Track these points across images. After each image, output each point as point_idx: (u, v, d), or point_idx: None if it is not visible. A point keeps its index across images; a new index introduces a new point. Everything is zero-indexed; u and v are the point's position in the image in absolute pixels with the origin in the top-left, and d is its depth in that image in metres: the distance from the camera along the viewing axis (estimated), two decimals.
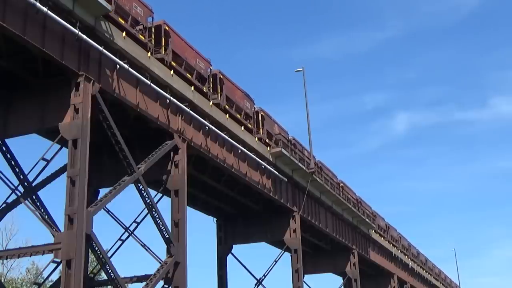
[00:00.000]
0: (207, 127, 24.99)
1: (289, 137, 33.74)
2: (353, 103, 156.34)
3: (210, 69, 26.34)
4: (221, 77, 27.15)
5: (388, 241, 51.84)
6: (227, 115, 27.10)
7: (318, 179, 35.36)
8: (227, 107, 27.09)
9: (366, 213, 45.40)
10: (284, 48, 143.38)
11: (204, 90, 25.33)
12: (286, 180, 32.42)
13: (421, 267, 64.10)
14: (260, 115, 30.68)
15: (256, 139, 29.72)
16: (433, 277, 70.49)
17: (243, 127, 28.48)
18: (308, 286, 40.62)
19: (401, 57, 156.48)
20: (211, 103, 25.70)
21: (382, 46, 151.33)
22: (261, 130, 30.45)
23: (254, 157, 28.88)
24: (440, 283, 74.15)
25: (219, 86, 26.75)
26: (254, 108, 30.33)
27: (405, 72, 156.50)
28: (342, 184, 40.96)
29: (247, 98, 29.53)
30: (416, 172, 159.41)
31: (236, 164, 27.91)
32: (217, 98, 26.29)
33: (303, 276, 34.55)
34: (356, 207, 42.54)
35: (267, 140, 30.72)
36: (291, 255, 33.24)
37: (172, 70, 23.17)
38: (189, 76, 24.41)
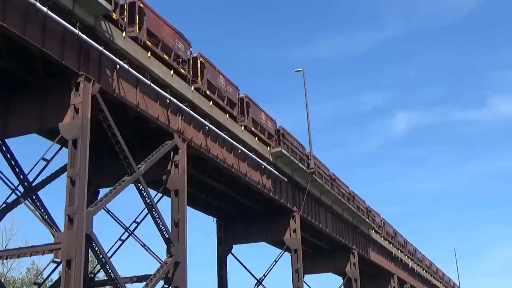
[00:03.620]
0: (207, 127, 24.98)
1: (241, 95, 29.15)
2: (352, 103, 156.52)
3: None
4: (141, 5, 21.63)
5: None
6: (149, 53, 21.77)
7: (318, 179, 35.38)
8: (148, 43, 21.68)
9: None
10: (284, 48, 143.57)
11: (114, 18, 20.09)
12: (286, 180, 32.43)
13: (421, 266, 64.10)
14: (199, 61, 25.18)
15: (193, 88, 24.44)
16: (433, 277, 70.48)
17: (172, 70, 23.13)
18: (308, 286, 40.69)
19: (401, 57, 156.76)
20: (123, 34, 20.41)
21: (382, 46, 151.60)
22: (199, 79, 25.07)
23: (254, 157, 28.88)
24: (441, 284, 74.15)
25: (137, 16, 21.22)
26: (191, 52, 25.01)
27: (404, 72, 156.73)
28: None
29: (180, 38, 23.92)
30: (416, 172, 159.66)
31: (236, 164, 27.91)
32: (134, 31, 21.07)
33: (303, 276, 34.55)
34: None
35: (207, 92, 25.38)
36: (291, 255, 33.25)
37: None
38: None
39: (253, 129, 29.45)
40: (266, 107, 31.64)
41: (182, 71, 23.83)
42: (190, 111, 23.79)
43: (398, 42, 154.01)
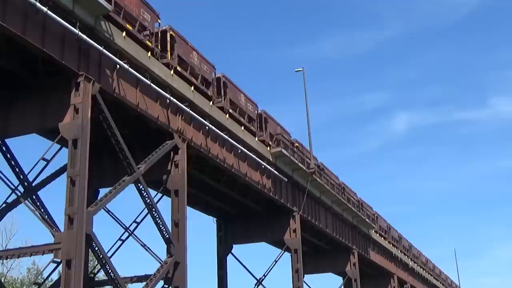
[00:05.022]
0: (207, 127, 24.98)
1: (218, 75, 26.68)
2: (352, 103, 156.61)
3: None
4: None
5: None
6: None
7: (318, 179, 35.36)
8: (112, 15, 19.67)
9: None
10: (284, 48, 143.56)
11: None
12: (286, 180, 32.42)
13: (421, 267, 64.09)
14: (168, 34, 23.28)
15: (161, 62, 22.38)
16: (433, 277, 70.48)
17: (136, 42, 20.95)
18: (308, 286, 40.68)
19: (401, 57, 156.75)
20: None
21: (382, 46, 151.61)
22: (169, 54, 23.16)
23: (254, 157, 28.87)
24: (440, 283, 74.16)
25: None
26: (160, 24, 22.96)
27: (404, 72, 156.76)
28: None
29: (146, 8, 21.94)
30: (416, 172, 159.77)
31: (236, 164, 27.91)
32: None
33: (303, 276, 34.55)
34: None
35: (178, 68, 23.27)
36: (291, 255, 33.23)
37: None
38: None
39: (231, 111, 27.39)
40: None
41: (148, 43, 21.74)
42: (190, 111, 23.79)
43: (398, 42, 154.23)
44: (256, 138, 29.89)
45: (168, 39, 23.16)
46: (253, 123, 29.75)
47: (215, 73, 26.73)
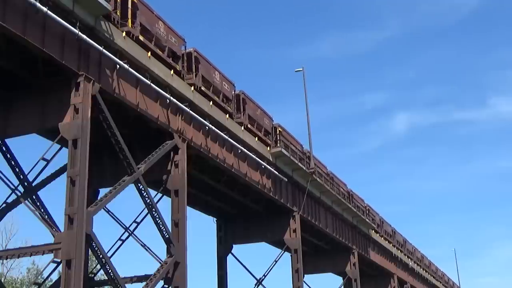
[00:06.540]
0: (207, 127, 24.97)
1: (189, 49, 24.62)
2: (352, 103, 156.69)
3: None
4: None
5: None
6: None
7: (318, 179, 35.36)
8: None
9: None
10: (284, 48, 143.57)
11: None
12: (286, 180, 32.42)
13: (418, 264, 64.02)
14: (130, 1, 21.14)
15: (124, 34, 20.49)
16: (433, 277, 70.44)
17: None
18: (308, 286, 40.69)
19: (401, 57, 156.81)
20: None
21: (382, 46, 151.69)
22: (129, 21, 20.93)
23: (254, 157, 28.87)
24: (440, 282, 74.15)
25: None
26: None
27: (404, 72, 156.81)
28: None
29: None
30: (416, 172, 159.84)
31: (236, 164, 27.91)
32: None
33: (303, 276, 34.55)
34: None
35: (140, 38, 21.25)
36: (291, 255, 33.23)
37: None
38: None
39: (203, 88, 25.13)
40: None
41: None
42: (190, 111, 23.78)
43: (398, 42, 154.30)
44: (234, 119, 28.07)
45: (129, 5, 21.09)
46: (229, 104, 27.72)
47: (185, 46, 24.53)
